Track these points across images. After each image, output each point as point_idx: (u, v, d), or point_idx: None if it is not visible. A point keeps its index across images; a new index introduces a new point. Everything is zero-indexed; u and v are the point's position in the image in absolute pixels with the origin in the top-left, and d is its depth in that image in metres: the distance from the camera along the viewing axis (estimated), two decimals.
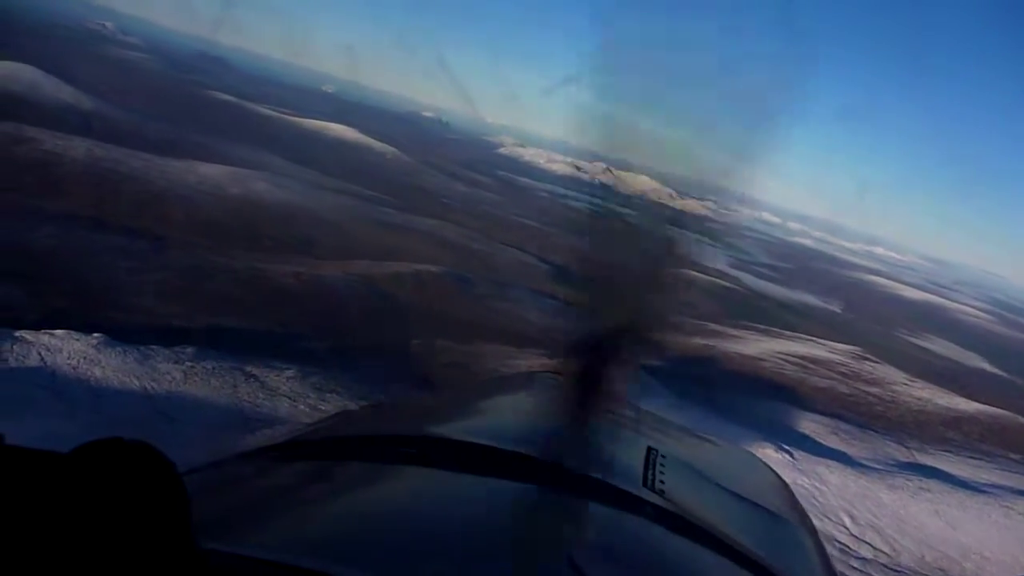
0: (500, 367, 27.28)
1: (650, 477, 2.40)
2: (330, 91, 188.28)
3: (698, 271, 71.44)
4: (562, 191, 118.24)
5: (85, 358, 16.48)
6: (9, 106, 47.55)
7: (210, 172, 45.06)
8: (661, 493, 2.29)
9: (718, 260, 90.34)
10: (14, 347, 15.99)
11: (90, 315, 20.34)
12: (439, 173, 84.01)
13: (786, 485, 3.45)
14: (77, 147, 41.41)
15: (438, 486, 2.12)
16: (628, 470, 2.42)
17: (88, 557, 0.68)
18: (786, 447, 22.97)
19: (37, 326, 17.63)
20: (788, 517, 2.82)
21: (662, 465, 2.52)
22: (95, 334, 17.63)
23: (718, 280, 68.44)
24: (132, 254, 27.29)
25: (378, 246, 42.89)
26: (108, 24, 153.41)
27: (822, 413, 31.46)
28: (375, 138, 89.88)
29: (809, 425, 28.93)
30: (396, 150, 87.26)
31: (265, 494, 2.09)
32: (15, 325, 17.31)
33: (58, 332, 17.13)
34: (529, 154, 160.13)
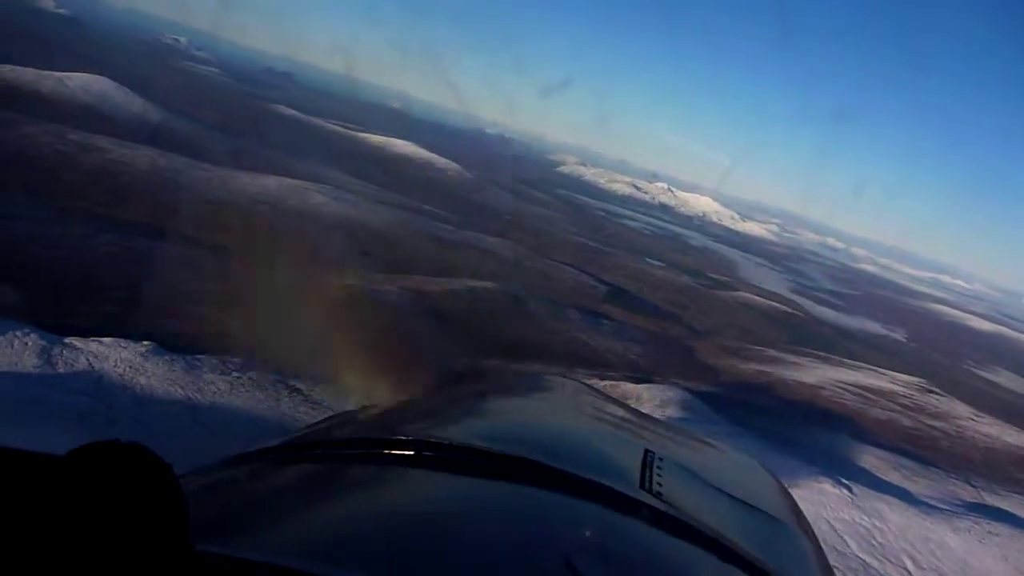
0: None
1: (648, 480, 2.37)
2: (396, 107, 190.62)
3: (757, 295, 70.61)
4: (621, 210, 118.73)
5: (131, 366, 16.40)
6: (81, 116, 48.84)
7: (270, 184, 45.50)
8: (659, 496, 2.26)
9: (778, 284, 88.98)
10: (63, 353, 15.97)
11: (142, 323, 20.40)
12: (499, 190, 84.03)
13: (785, 489, 3.42)
14: (142, 157, 42.17)
15: (435, 489, 2.14)
16: (626, 473, 2.40)
17: (84, 560, 0.69)
18: (844, 481, 21.98)
19: (87, 333, 17.63)
20: (787, 521, 2.80)
21: (660, 468, 2.50)
22: (144, 342, 17.57)
23: (778, 304, 67.25)
24: (188, 263, 27.45)
25: (434, 262, 42.80)
26: (182, 39, 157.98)
27: (883, 447, 30.22)
28: (437, 154, 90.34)
29: (869, 459, 27.78)
30: (458, 166, 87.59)
31: (263, 497, 2.09)
32: (65, 331, 17.33)
33: (106, 339, 17.08)
34: (590, 173, 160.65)
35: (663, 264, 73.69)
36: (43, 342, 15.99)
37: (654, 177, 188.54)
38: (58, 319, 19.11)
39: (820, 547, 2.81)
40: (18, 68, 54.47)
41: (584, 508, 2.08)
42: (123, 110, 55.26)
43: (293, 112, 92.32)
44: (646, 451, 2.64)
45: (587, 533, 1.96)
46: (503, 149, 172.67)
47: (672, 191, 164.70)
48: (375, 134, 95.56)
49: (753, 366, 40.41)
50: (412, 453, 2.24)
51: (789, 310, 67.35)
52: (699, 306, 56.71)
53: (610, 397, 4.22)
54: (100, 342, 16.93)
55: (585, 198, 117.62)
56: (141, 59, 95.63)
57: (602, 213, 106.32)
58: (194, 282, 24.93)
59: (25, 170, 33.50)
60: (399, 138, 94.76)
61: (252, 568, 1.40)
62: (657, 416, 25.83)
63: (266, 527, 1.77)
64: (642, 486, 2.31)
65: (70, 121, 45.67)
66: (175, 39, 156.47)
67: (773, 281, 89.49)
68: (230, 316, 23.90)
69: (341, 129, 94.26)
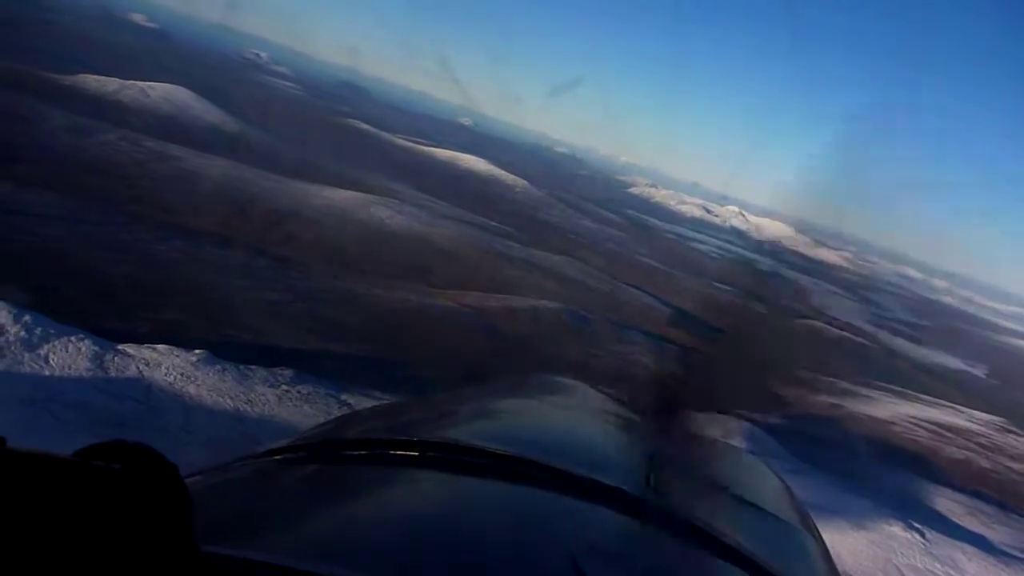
0: None
1: (653, 480, 2.37)
2: (467, 124, 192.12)
3: (829, 323, 68.59)
4: (691, 234, 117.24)
5: (183, 374, 16.37)
6: (159, 125, 50.08)
7: (338, 197, 45.88)
8: (663, 496, 2.27)
9: (853, 314, 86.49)
10: (115, 359, 16.02)
11: (198, 331, 20.49)
12: (567, 208, 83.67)
13: (790, 489, 3.39)
14: (215, 166, 42.95)
15: (440, 489, 2.14)
16: (630, 473, 2.40)
17: (90, 560, 0.70)
18: (917, 525, 20.90)
19: (143, 339, 17.72)
20: (793, 521, 2.80)
21: (663, 467, 2.49)
22: (197, 350, 17.57)
23: (851, 335, 65.27)
24: (251, 272, 27.66)
25: (496, 279, 42.58)
26: (262, 54, 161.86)
27: (959, 489, 28.75)
28: (506, 170, 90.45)
29: (944, 502, 26.43)
30: (526, 183, 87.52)
31: (268, 497, 2.09)
32: (121, 337, 17.43)
33: (160, 347, 17.12)
34: (660, 195, 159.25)
35: (732, 289, 72.13)
36: (96, 347, 16.05)
37: (726, 200, 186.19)
38: (116, 324, 19.27)
39: (826, 548, 2.77)
40: (103, 78, 56.22)
41: (588, 509, 2.08)
42: (200, 120, 56.50)
43: (366, 126, 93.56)
44: (651, 451, 2.65)
45: (591, 533, 1.96)
46: (573, 168, 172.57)
47: (744, 215, 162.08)
48: (444, 149, 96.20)
49: (823, 398, 39.17)
50: (417, 454, 2.24)
51: (862, 341, 65.36)
52: (767, 333, 55.21)
53: (614, 398, 4.19)
54: (154, 349, 16.97)
55: (654, 219, 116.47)
56: (222, 72, 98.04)
57: (671, 235, 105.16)
58: (254, 291, 25.04)
59: (101, 177, 34.30)
60: (468, 154, 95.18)
61: (257, 569, 1.40)
62: None
63: (271, 528, 1.77)
64: (646, 486, 2.31)
65: (148, 130, 46.94)
66: (256, 54, 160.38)
67: (846, 310, 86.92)
68: (286, 327, 24.01)
69: (411, 144, 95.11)
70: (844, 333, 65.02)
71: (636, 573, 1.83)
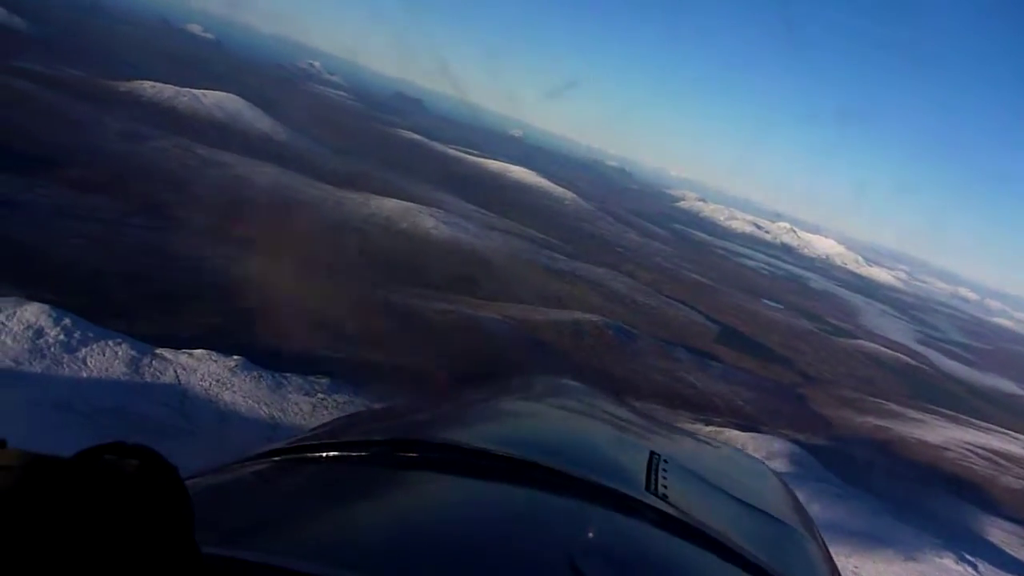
0: None
1: (653, 481, 2.33)
2: (518, 135, 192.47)
3: (880, 343, 67.14)
4: (740, 249, 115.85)
5: (219, 380, 16.34)
6: (211, 131, 50.72)
7: (385, 205, 45.99)
8: (664, 498, 2.23)
9: (904, 333, 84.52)
10: (152, 364, 16.05)
11: (237, 337, 20.45)
12: (615, 222, 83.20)
13: (791, 491, 3.32)
14: (263, 173, 43.34)
15: (441, 490, 2.13)
16: (631, 475, 2.36)
17: (91, 562, 0.70)
18: (969, 557, 20.10)
19: (182, 344, 17.73)
20: (794, 524, 2.75)
21: (665, 469, 2.47)
22: (234, 356, 17.56)
23: (902, 356, 63.67)
24: (292, 279, 27.68)
25: (541, 291, 42.31)
26: (316, 63, 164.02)
27: (1015, 520, 27.68)
28: (555, 182, 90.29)
29: (998, 533, 25.44)
30: (574, 195, 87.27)
31: (268, 498, 2.07)
32: (160, 342, 17.46)
33: (197, 352, 17.13)
34: (709, 209, 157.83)
35: (780, 306, 71.13)
36: (134, 352, 16.09)
37: (777, 216, 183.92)
38: (154, 329, 19.30)
39: (828, 550, 2.73)
40: (159, 84, 57.21)
41: (589, 510, 2.05)
42: (252, 128, 57.19)
43: (416, 137, 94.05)
44: (651, 453, 2.61)
45: (592, 535, 1.93)
46: (622, 181, 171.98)
47: (795, 231, 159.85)
48: (494, 160, 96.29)
49: (871, 420, 38.14)
50: (417, 455, 2.23)
51: (914, 362, 63.65)
52: (816, 352, 54.18)
53: (614, 399, 4.13)
54: (190, 354, 16.97)
55: (703, 234, 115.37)
56: (275, 82, 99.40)
57: (720, 250, 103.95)
58: (294, 300, 25.01)
59: (150, 181, 34.74)
60: (517, 165, 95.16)
61: (258, 570, 1.39)
62: None
63: (272, 529, 1.75)
64: (648, 488, 2.28)
65: (200, 136, 47.54)
66: (310, 63, 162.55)
67: (898, 330, 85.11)
68: (323, 335, 23.90)
69: (461, 155, 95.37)
70: (895, 353, 63.47)
71: (635, 574, 1.85)
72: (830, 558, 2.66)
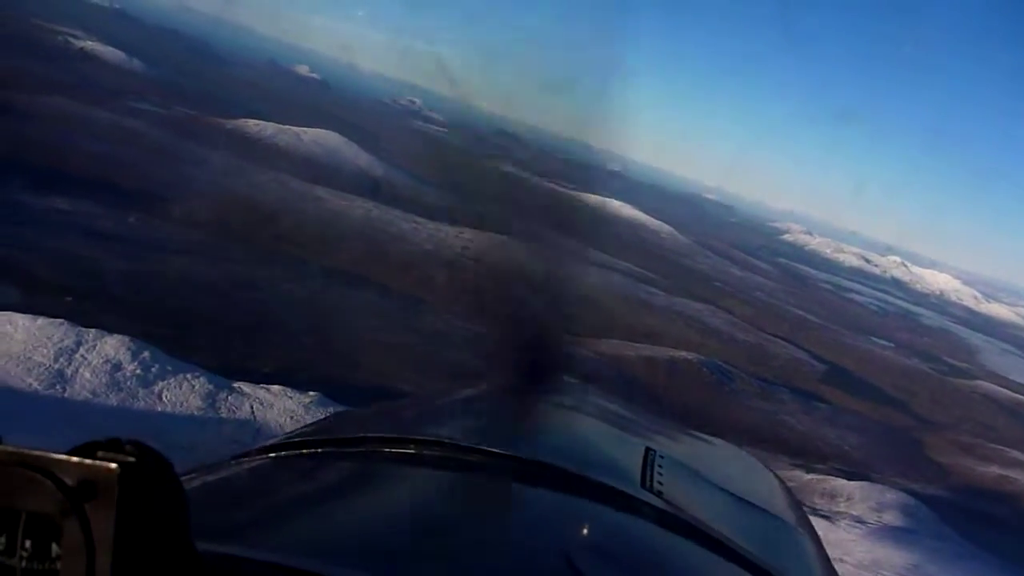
0: None
1: (648, 478, 2.32)
2: (615, 169, 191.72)
3: (1001, 385, 63.17)
4: (847, 284, 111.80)
5: (293, 417, 15.97)
6: (309, 167, 51.73)
7: (477, 239, 45.73)
8: (659, 494, 2.23)
9: None
10: (228, 398, 15.81)
11: (318, 371, 20.27)
12: (714, 255, 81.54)
13: (787, 487, 3.30)
14: (358, 208, 43.81)
15: (437, 488, 2.15)
16: (626, 471, 2.36)
17: (85, 557, 0.71)
18: None
19: (263, 379, 17.55)
20: (788, 519, 2.76)
21: (660, 466, 2.44)
22: (311, 392, 17.22)
23: None
24: (382, 314, 27.54)
25: (636, 327, 41.38)
26: (416, 100, 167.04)
27: None
28: (652, 216, 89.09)
29: None
30: (672, 229, 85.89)
31: (263, 495, 2.08)
32: (239, 376, 17.31)
33: (274, 387, 16.85)
34: (815, 243, 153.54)
35: (891, 344, 68.00)
36: (211, 386, 15.88)
37: (888, 250, 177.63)
38: (233, 363, 19.22)
39: (822, 546, 2.72)
40: (262, 122, 58.94)
41: (585, 507, 2.05)
42: (349, 164, 58.15)
43: (514, 170, 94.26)
44: (647, 449, 2.60)
45: (588, 531, 1.94)
46: (723, 215, 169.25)
47: (906, 265, 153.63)
48: (591, 194, 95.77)
49: (994, 469, 35.61)
50: (413, 452, 2.22)
51: None
52: (930, 394, 51.25)
53: (611, 398, 4.13)
54: (267, 390, 16.68)
55: (807, 268, 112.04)
56: (375, 118, 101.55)
57: (826, 285, 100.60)
58: (379, 333, 24.81)
59: (246, 215, 35.37)
60: (614, 199, 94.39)
61: (253, 566, 1.39)
62: (873, 524, 22.76)
63: (266, 525, 1.77)
64: (643, 485, 2.27)
65: (298, 172, 48.49)
66: (411, 100, 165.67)
67: (1021, 371, 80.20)
68: (408, 371, 23.53)
69: (560, 189, 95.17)
70: (1018, 396, 59.60)
71: (631, 570, 1.84)
72: (824, 553, 2.65)
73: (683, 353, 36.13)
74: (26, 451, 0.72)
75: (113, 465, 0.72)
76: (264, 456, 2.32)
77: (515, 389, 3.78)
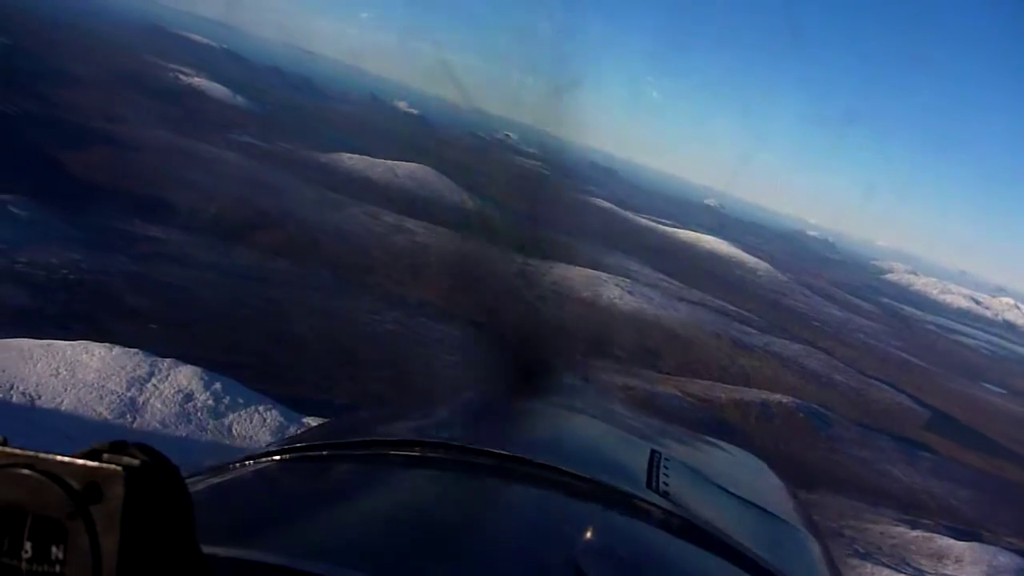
0: (847, 528, 22.95)
1: (654, 480, 2.32)
2: (712, 204, 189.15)
3: None
4: (955, 325, 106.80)
5: None
6: (401, 200, 52.21)
7: (568, 274, 45.16)
8: (665, 496, 2.23)
9: None
10: (296, 432, 15.59)
11: (384, 405, 19.92)
12: (813, 294, 78.92)
13: (793, 490, 3.25)
14: (448, 240, 43.69)
15: (441, 489, 2.15)
16: (632, 473, 2.36)
17: (91, 559, 0.71)
18: None
19: (334, 412, 17.31)
20: (794, 522, 2.74)
21: (666, 468, 2.43)
22: None
23: None
24: (463, 347, 27.18)
25: (727, 367, 40.06)
26: (512, 135, 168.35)
27: None
28: (749, 253, 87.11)
29: None
30: (769, 266, 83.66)
31: (267, 497, 2.10)
32: (312, 409, 17.11)
33: None
34: (921, 282, 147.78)
35: (1004, 391, 64.25)
36: (282, 418, 15.75)
37: (999, 291, 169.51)
38: (311, 394, 19.08)
39: (828, 549, 2.67)
40: (355, 156, 60.04)
41: (590, 508, 2.06)
42: (441, 197, 58.40)
43: (608, 205, 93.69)
44: (652, 451, 2.58)
45: (593, 533, 1.90)
46: (823, 251, 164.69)
47: (1020, 307, 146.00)
48: (687, 230, 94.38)
49: None
50: (418, 453, 2.23)
51: None
52: None
53: (615, 399, 4.28)
54: None
55: (912, 309, 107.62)
56: (470, 153, 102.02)
57: (931, 327, 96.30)
58: (461, 368, 24.38)
59: (335, 246, 35.71)
60: (711, 235, 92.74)
61: (259, 570, 1.39)
62: None
63: (272, 527, 1.76)
64: (649, 486, 2.27)
65: (390, 204, 48.96)
66: (507, 135, 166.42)
67: None
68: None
69: (653, 224, 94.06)
70: None
71: (636, 572, 1.84)
72: (831, 556, 2.62)
73: (778, 396, 34.62)
74: (32, 453, 0.72)
75: (118, 468, 0.73)
76: (269, 459, 2.30)
77: (520, 391, 3.73)
